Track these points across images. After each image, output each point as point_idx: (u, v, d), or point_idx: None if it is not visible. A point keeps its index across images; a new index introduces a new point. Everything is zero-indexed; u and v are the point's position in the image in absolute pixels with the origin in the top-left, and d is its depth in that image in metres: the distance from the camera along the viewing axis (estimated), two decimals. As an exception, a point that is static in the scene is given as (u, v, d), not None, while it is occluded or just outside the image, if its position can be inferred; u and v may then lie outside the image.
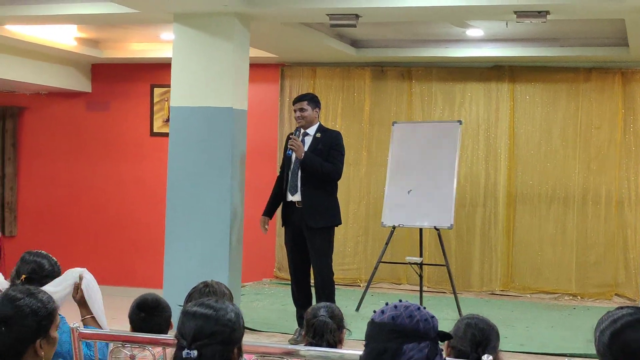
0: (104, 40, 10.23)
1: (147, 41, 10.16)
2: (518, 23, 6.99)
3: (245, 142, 7.28)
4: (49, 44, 9.45)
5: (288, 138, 6.96)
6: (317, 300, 6.73)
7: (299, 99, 6.88)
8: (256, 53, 9.06)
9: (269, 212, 6.97)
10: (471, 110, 9.76)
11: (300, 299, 6.77)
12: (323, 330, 3.84)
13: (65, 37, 9.67)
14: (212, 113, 7.01)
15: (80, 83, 10.92)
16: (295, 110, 6.86)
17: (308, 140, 6.77)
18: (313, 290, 6.89)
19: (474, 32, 8.76)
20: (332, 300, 6.71)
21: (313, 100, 6.89)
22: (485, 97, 9.73)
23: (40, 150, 11.28)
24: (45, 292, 2.81)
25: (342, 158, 6.86)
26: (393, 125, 8.67)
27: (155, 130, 10.78)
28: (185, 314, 2.61)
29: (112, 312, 7.86)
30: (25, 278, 4.18)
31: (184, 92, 7.11)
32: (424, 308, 2.50)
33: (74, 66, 10.74)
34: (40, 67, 10.11)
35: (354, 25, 7.09)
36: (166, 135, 7.46)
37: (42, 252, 4.47)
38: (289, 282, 9.86)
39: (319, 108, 6.93)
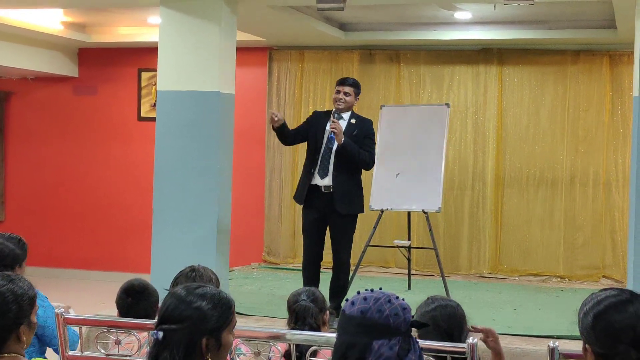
0: (91, 24, 10.17)
1: (134, 25, 10.11)
2: (506, 5, 6.96)
3: (232, 125, 7.26)
4: (35, 28, 9.39)
5: (313, 115, 6.93)
6: (333, 283, 6.76)
7: (346, 82, 6.81)
8: (244, 37, 9.02)
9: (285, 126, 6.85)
10: (459, 93, 9.76)
11: (312, 283, 6.69)
12: (304, 314, 3.86)
13: (52, 22, 9.62)
14: (199, 97, 6.98)
15: (67, 67, 10.87)
16: (338, 91, 6.76)
17: (342, 125, 6.68)
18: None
19: (462, 14, 8.75)
20: (347, 283, 6.86)
21: (358, 87, 6.86)
22: (474, 80, 9.73)
23: (28, 135, 11.23)
24: (24, 278, 2.81)
25: (374, 147, 6.90)
26: (381, 108, 8.65)
27: (142, 114, 10.74)
28: (169, 293, 2.57)
29: (100, 297, 7.89)
30: None
31: (170, 76, 7.08)
32: (397, 298, 2.41)
33: (61, 50, 10.69)
34: (26, 51, 10.06)
35: (341, 9, 7.04)
36: (154, 119, 7.42)
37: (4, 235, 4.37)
38: (278, 267, 9.98)
39: (359, 96, 6.90)
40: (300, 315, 3.92)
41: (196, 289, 2.56)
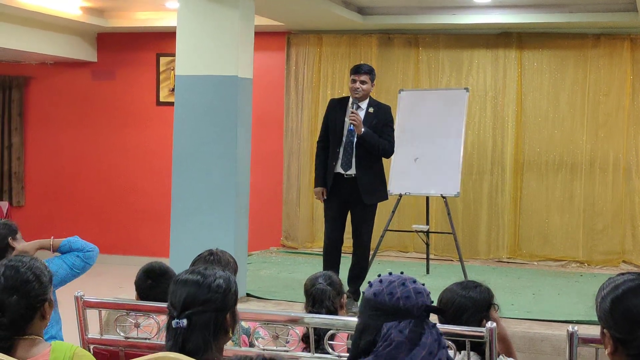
0: (109, 9, 10.18)
1: (152, 10, 10.11)
2: (525, -11, 6.92)
3: (250, 110, 7.26)
4: (54, 13, 9.41)
5: (330, 106, 6.87)
6: (353, 267, 6.76)
7: (361, 70, 6.66)
8: (262, 21, 9.01)
9: (324, 183, 6.74)
10: (478, 78, 9.71)
11: (333, 267, 6.66)
12: (322, 297, 3.87)
13: (70, 6, 9.63)
14: (218, 81, 6.98)
15: (86, 52, 10.90)
16: (354, 81, 6.63)
17: (361, 115, 6.61)
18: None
19: (481, -2, 8.70)
20: (367, 267, 6.90)
21: (373, 73, 6.74)
22: (493, 64, 9.67)
23: (47, 120, 11.28)
24: (38, 258, 2.85)
25: (393, 134, 6.82)
26: (400, 93, 8.63)
27: (161, 99, 10.76)
28: (175, 283, 2.59)
29: (119, 281, 7.94)
30: None
31: (189, 60, 7.08)
32: (414, 282, 2.43)
33: (80, 35, 10.71)
34: (45, 36, 10.08)
35: (360, -8, 7.03)
36: (172, 104, 7.43)
37: None
38: (296, 251, 9.99)
39: (374, 82, 6.82)
40: (318, 298, 3.93)
41: (204, 270, 2.62)
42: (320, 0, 8.46)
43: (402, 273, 2.52)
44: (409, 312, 2.38)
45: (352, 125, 6.53)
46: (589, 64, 9.39)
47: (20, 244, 4.31)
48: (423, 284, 2.48)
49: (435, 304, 2.52)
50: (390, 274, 2.51)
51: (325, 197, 6.78)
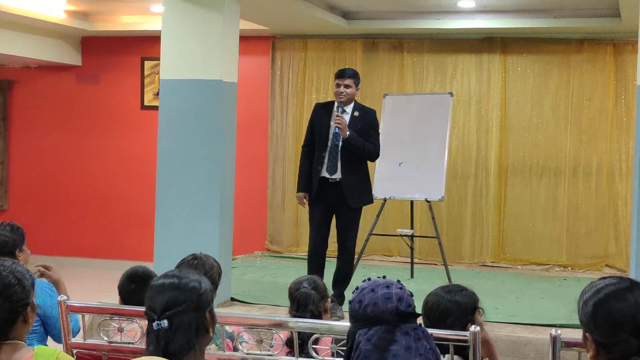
0: (94, 12, 10.16)
1: (137, 14, 10.09)
2: (509, -6, 6.95)
3: (235, 114, 7.25)
4: (38, 16, 9.38)
5: (315, 111, 6.86)
6: (337, 272, 6.76)
7: (345, 74, 6.67)
8: (247, 25, 9.01)
9: (306, 188, 6.75)
10: (463, 82, 9.74)
11: (318, 272, 6.64)
12: (306, 301, 3.87)
13: (54, 10, 9.61)
14: (202, 86, 6.97)
15: (70, 56, 10.87)
16: (338, 85, 6.63)
17: (346, 119, 6.61)
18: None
19: (465, 3, 8.73)
20: (352, 271, 6.89)
21: (357, 77, 6.74)
22: (477, 69, 9.71)
23: (31, 124, 11.24)
24: (19, 262, 2.84)
25: (379, 137, 6.82)
26: (384, 97, 8.65)
27: (145, 103, 10.74)
28: (151, 288, 2.60)
29: (102, 285, 7.91)
30: None
31: (173, 64, 7.07)
32: (388, 287, 2.39)
33: (64, 39, 10.68)
34: (29, 40, 10.05)
35: (344, -3, 7.04)
36: (157, 108, 7.42)
37: None
38: (281, 255, 9.98)
39: (359, 86, 6.81)
40: (302, 302, 3.93)
41: (178, 273, 2.63)
42: (305, 4, 8.47)
43: (383, 277, 2.51)
44: (379, 318, 2.36)
45: (337, 129, 6.54)
46: (572, 69, 9.45)
47: (56, 274, 4.28)
48: (400, 287, 2.44)
49: (419, 307, 2.51)
50: (368, 279, 2.50)
51: (307, 202, 6.77)
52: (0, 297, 2.66)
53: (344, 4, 9.10)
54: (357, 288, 2.48)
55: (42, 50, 10.35)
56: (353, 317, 2.44)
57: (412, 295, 2.47)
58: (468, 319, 3.31)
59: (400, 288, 2.45)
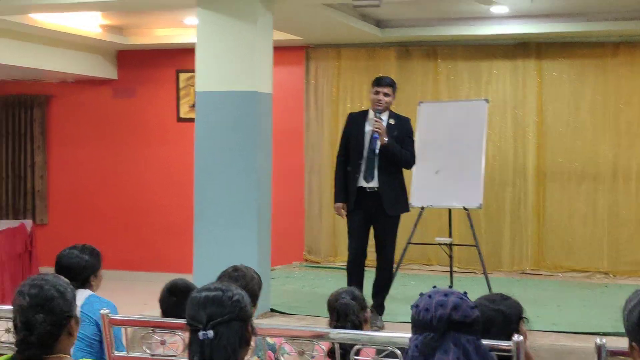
0: (129, 26, 10.25)
1: (171, 26, 10.17)
2: (544, -2, 6.90)
3: (271, 125, 7.26)
4: (74, 31, 9.49)
5: (349, 119, 6.86)
6: (377, 282, 6.74)
7: (385, 83, 6.68)
8: (280, 36, 9.04)
9: (344, 198, 6.74)
10: (498, 88, 9.69)
11: (357, 282, 6.62)
12: (346, 312, 3.85)
13: (90, 25, 9.71)
14: (237, 97, 6.99)
15: (106, 70, 10.97)
16: (377, 92, 6.63)
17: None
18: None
19: (498, 8, 8.68)
20: (391, 281, 6.86)
21: (395, 86, 6.76)
22: (512, 75, 9.65)
23: (69, 138, 11.35)
24: (60, 276, 2.86)
25: (414, 145, 6.86)
26: (419, 105, 8.61)
27: (181, 115, 10.80)
28: (193, 299, 2.61)
29: (143, 298, 7.93)
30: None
31: (208, 77, 7.10)
32: (447, 295, 2.38)
33: (100, 53, 10.79)
34: (66, 55, 10.16)
35: (377, 5, 7.04)
36: (192, 120, 7.46)
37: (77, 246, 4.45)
38: (319, 265, 9.97)
39: (395, 94, 6.83)
40: (342, 313, 3.92)
41: (221, 286, 2.67)
42: (338, 14, 8.48)
43: (450, 286, 2.50)
44: (428, 324, 2.35)
45: (376, 134, 6.51)
46: (608, 73, 9.36)
47: None
48: (461, 297, 2.41)
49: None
50: (434, 287, 2.50)
51: (346, 212, 6.76)
52: (44, 311, 2.68)
53: (376, 13, 9.09)
54: (420, 294, 2.48)
55: (79, 65, 10.46)
56: (411, 322, 2.44)
57: (474, 307, 2.43)
58: (512, 328, 3.28)
59: (461, 298, 2.42)
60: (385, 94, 6.62)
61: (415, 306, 2.43)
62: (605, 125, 9.36)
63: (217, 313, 2.55)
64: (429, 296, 2.41)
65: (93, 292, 4.39)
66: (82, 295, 4.28)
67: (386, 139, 6.50)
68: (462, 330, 2.36)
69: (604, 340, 2.92)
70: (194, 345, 2.55)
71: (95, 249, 4.49)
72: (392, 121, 6.69)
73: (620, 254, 9.30)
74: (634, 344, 2.26)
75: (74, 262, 4.35)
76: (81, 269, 4.35)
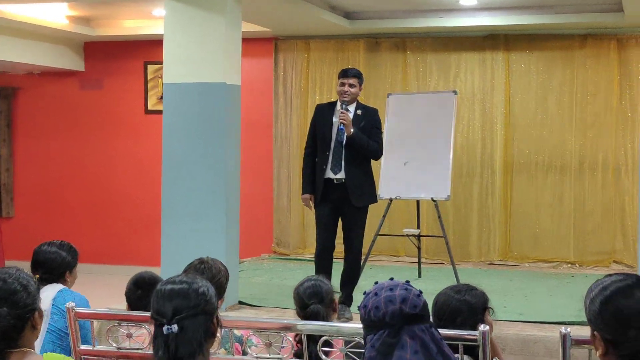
0: (96, 18, 10.16)
1: (139, 18, 10.10)
2: (511, -9, 6.94)
3: (239, 117, 7.25)
4: (40, 22, 9.39)
5: (316, 111, 6.88)
6: (345, 273, 6.76)
7: (350, 74, 6.71)
8: (249, 27, 9.01)
9: (311, 189, 6.77)
10: (466, 80, 9.73)
11: (325, 273, 6.61)
12: (317, 317, 3.80)
13: (56, 16, 9.61)
14: (206, 89, 6.97)
15: (73, 62, 10.87)
16: (342, 84, 6.67)
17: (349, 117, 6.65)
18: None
19: (467, 0, 8.71)
20: (359, 272, 6.90)
21: (361, 77, 6.79)
22: (480, 67, 9.69)
23: (35, 130, 11.25)
24: (23, 269, 2.84)
25: (382, 136, 6.88)
26: (388, 97, 8.63)
27: (149, 107, 10.74)
28: (158, 292, 2.60)
29: (110, 291, 7.89)
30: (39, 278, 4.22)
31: (176, 68, 7.07)
32: (391, 289, 2.37)
33: (67, 45, 10.69)
34: (32, 46, 10.06)
35: (346, -3, 7.04)
36: (160, 112, 7.42)
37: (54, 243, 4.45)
38: (288, 257, 9.97)
39: (362, 85, 6.85)
40: (313, 318, 3.84)
41: (186, 278, 2.65)
42: (307, 5, 8.47)
43: (391, 279, 2.49)
44: (382, 322, 2.34)
45: (342, 125, 6.53)
46: (576, 65, 9.42)
47: None
48: (406, 289, 2.41)
49: (429, 307, 2.49)
50: (376, 283, 2.48)
51: (313, 204, 6.78)
52: (7, 304, 2.66)
53: (345, 4, 9.09)
54: (364, 293, 2.47)
55: (45, 57, 10.36)
56: (362, 323, 2.43)
57: (420, 294, 2.43)
58: (478, 318, 3.31)
59: (406, 289, 2.41)
60: (351, 85, 6.65)
61: (363, 307, 2.41)
62: (572, 117, 9.43)
63: (183, 306, 2.54)
64: (375, 294, 2.39)
65: (65, 287, 4.39)
66: (54, 288, 4.30)
67: (352, 130, 6.52)
68: (415, 321, 2.37)
69: (569, 329, 2.95)
70: (158, 339, 2.54)
71: (72, 246, 4.52)
72: (359, 112, 6.71)
73: (586, 245, 9.39)
74: (595, 332, 2.28)
75: (51, 257, 4.37)
76: (57, 265, 4.38)
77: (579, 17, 8.91)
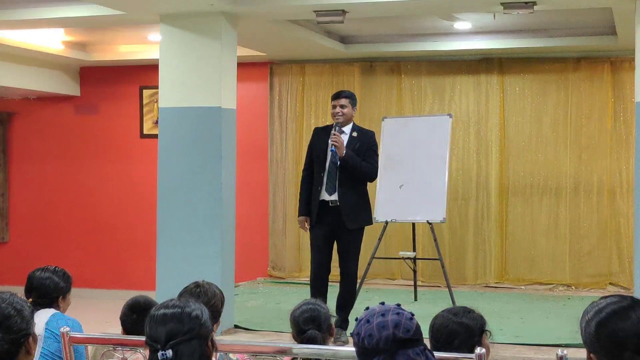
0: (92, 43, 10.19)
1: (134, 43, 10.12)
2: (506, 14, 6.98)
3: (235, 141, 7.26)
4: (36, 48, 9.41)
5: (314, 133, 6.91)
6: (340, 296, 6.75)
7: (341, 95, 6.79)
8: (244, 52, 9.04)
9: (307, 212, 6.80)
10: (461, 104, 9.76)
11: (320, 297, 6.60)
12: (314, 343, 3.78)
13: (52, 41, 9.64)
14: (201, 113, 6.99)
15: (68, 87, 10.89)
16: (334, 106, 6.75)
17: (344, 139, 6.67)
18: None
19: (461, 24, 8.76)
20: (355, 295, 6.89)
21: (353, 97, 6.84)
22: (475, 90, 9.73)
23: (31, 155, 11.23)
24: (17, 294, 2.83)
25: (377, 158, 6.88)
26: (383, 120, 8.66)
27: (145, 132, 10.74)
28: (152, 317, 2.59)
29: (105, 315, 7.86)
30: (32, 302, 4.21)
31: (172, 92, 7.09)
32: (383, 315, 2.36)
33: (62, 70, 10.71)
34: (28, 71, 10.07)
35: (341, 22, 7.08)
36: (156, 136, 7.43)
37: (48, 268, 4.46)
38: (284, 281, 9.95)
39: (356, 107, 6.89)
40: (310, 343, 3.82)
41: (179, 302, 2.63)
42: (302, 30, 8.50)
43: (382, 303, 2.47)
44: (377, 349, 2.33)
45: (333, 147, 6.56)
46: (570, 88, 9.47)
47: None
48: (398, 313, 2.39)
49: (425, 330, 2.48)
50: (367, 308, 2.47)
51: (309, 226, 6.78)
52: (1, 329, 2.65)
53: (340, 29, 9.13)
54: (356, 319, 2.46)
55: (41, 82, 10.37)
56: (357, 351, 2.41)
57: (412, 317, 2.41)
58: (475, 341, 3.29)
59: (398, 313, 2.40)
60: (342, 106, 6.70)
61: (356, 334, 2.40)
62: (566, 140, 9.46)
63: (176, 330, 2.52)
64: (367, 321, 2.38)
65: (58, 311, 4.38)
66: (47, 313, 4.29)
67: (345, 152, 6.54)
68: (409, 345, 2.35)
69: (565, 351, 2.94)
70: None
71: (66, 272, 4.52)
72: (355, 134, 6.74)
73: (582, 267, 9.39)
74: (591, 355, 2.28)
75: (44, 283, 4.38)
76: (50, 290, 4.38)
77: (573, 41, 8.97)
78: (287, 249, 10.21)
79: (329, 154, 6.67)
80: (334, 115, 6.75)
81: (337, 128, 6.70)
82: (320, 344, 3.79)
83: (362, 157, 6.65)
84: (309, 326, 3.82)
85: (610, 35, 8.76)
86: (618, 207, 9.32)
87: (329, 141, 6.63)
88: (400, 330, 2.35)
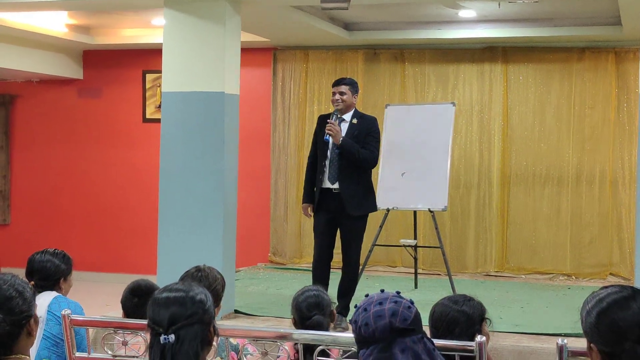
0: (95, 26, 10.18)
1: (138, 27, 10.11)
2: (510, 3, 6.96)
3: (237, 126, 7.25)
4: (40, 31, 9.40)
5: (319, 122, 6.88)
6: (342, 283, 6.75)
7: (340, 82, 6.76)
8: (248, 37, 9.03)
9: (311, 199, 6.80)
10: (464, 92, 9.74)
11: (322, 283, 6.62)
12: (320, 329, 3.79)
13: (56, 24, 9.63)
14: (204, 98, 6.98)
15: (71, 70, 10.88)
16: (334, 93, 6.72)
17: (344, 127, 6.65)
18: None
19: (466, 13, 8.73)
20: (356, 282, 6.87)
21: (353, 85, 6.79)
22: (479, 79, 9.71)
23: (33, 138, 11.25)
24: (18, 275, 2.84)
25: (377, 145, 6.81)
26: (386, 107, 8.64)
27: (147, 116, 10.74)
28: (155, 300, 2.58)
29: (106, 299, 7.89)
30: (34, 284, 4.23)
31: (175, 77, 7.08)
32: (381, 303, 2.35)
33: (66, 53, 10.70)
34: (31, 54, 10.07)
35: (346, 8, 7.04)
36: (159, 121, 7.43)
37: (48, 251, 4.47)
38: (284, 267, 9.97)
39: (357, 94, 6.86)
40: (315, 330, 3.82)
41: (183, 287, 2.62)
42: (306, 16, 8.48)
43: (382, 291, 2.47)
44: (373, 338, 2.33)
45: (328, 135, 6.55)
46: (574, 78, 9.45)
47: None
48: (395, 301, 2.38)
49: (425, 317, 2.48)
50: (366, 295, 2.46)
51: (312, 213, 6.79)
52: (2, 311, 2.65)
53: (344, 15, 9.11)
54: (355, 306, 2.46)
55: (44, 65, 10.37)
56: (355, 339, 2.42)
57: (410, 306, 2.41)
58: (475, 329, 3.30)
59: (396, 302, 2.39)
60: (341, 93, 6.68)
61: (354, 322, 2.40)
62: (569, 130, 9.45)
63: (179, 314, 2.52)
64: (364, 309, 2.38)
65: (60, 294, 4.40)
66: (49, 295, 4.31)
67: (341, 139, 6.53)
68: (406, 334, 2.35)
69: (565, 340, 2.95)
70: (154, 348, 2.52)
71: (67, 254, 4.54)
72: (355, 120, 6.72)
73: (583, 257, 9.39)
74: (592, 344, 2.28)
75: (46, 265, 4.40)
76: (51, 273, 4.40)
77: (578, 30, 8.95)
78: (288, 235, 10.22)
79: (331, 142, 6.66)
80: (333, 102, 6.75)
81: (335, 115, 6.69)
82: (326, 329, 3.80)
83: (362, 144, 6.62)
84: (313, 312, 3.83)
85: (615, 26, 8.74)
86: (620, 198, 9.32)
87: (325, 130, 6.64)
88: (398, 319, 2.35)
